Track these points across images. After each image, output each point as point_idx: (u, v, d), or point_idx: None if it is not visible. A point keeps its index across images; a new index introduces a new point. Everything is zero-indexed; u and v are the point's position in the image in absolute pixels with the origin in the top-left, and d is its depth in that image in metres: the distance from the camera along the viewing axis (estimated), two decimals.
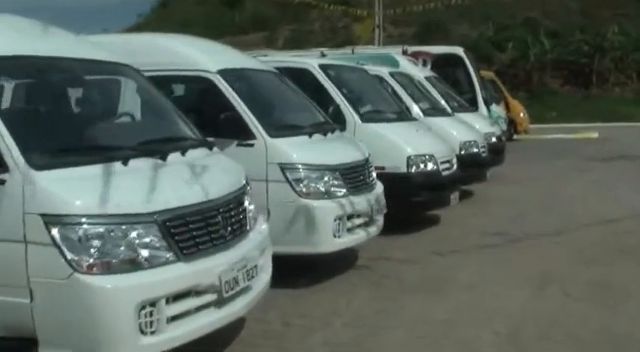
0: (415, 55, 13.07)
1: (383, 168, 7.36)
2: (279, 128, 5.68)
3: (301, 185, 5.35)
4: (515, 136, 23.21)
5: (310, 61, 7.86)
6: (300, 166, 5.38)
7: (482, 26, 44.29)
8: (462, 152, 9.85)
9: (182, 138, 4.42)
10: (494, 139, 12.14)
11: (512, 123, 22.83)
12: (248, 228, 4.15)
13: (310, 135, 5.75)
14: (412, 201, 7.50)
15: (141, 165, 3.68)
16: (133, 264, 3.30)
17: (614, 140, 21.65)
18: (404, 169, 7.39)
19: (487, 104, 15.33)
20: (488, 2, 48.28)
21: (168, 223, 3.45)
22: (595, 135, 23.88)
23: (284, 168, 5.34)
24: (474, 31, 45.14)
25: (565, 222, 8.33)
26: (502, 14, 45.68)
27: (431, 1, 43.67)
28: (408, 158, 7.38)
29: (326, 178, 5.47)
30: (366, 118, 7.59)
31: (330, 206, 5.40)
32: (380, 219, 6.25)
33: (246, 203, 4.21)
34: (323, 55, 12.91)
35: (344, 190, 5.57)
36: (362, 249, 6.66)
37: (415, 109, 9.82)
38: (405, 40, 33.23)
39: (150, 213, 3.41)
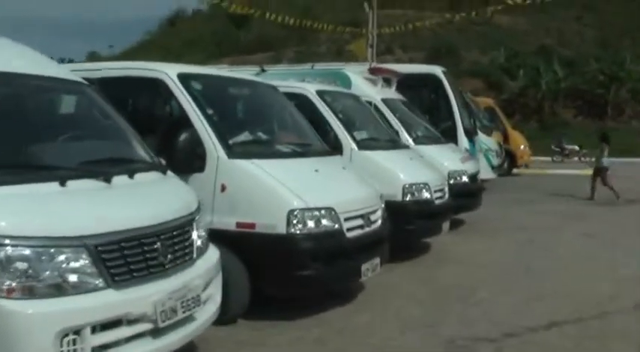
0: (375, 73, 10.70)
1: (252, 225, 5.06)
2: None
3: (2, 274, 2.98)
4: (515, 170, 20.85)
5: (166, 69, 5.53)
6: (5, 240, 3.01)
7: (494, 52, 42.11)
8: (407, 198, 7.49)
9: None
10: (464, 179, 9.77)
11: (511, 157, 20.49)
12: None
13: (64, 181, 3.37)
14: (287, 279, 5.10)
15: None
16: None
17: (626, 179, 19.08)
18: (283, 229, 5.01)
19: (471, 134, 12.96)
20: (502, 28, 46.27)
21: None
22: None
23: None
24: (486, 57, 43.02)
25: (526, 311, 5.77)
26: (516, 41, 43.61)
27: (442, 26, 41.87)
28: (290, 212, 5.01)
29: (59, 260, 3.08)
30: (236, 152, 5.24)
31: (52, 311, 3.01)
32: (203, 314, 3.88)
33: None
34: (262, 71, 10.72)
35: (98, 280, 3.19)
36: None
37: (346, 140, 7.49)
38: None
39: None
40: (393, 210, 6.85)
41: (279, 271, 5.05)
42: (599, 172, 14.19)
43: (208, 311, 3.97)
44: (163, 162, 4.69)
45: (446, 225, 8.10)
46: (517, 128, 23.99)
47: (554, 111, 36.11)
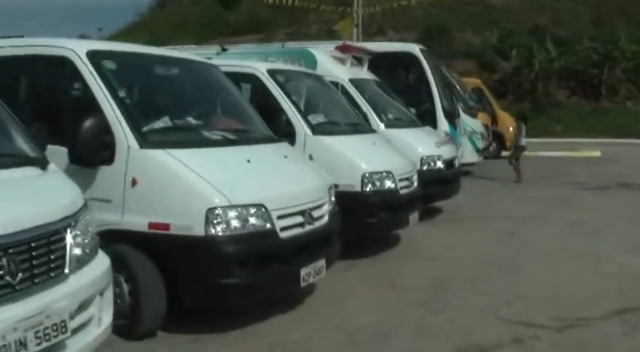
0: (345, 51, 9.93)
1: (167, 226, 4.34)
2: None
3: None
4: (504, 153, 20.12)
5: (74, 46, 4.78)
6: None
7: (487, 33, 41.20)
8: (367, 188, 6.76)
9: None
10: (439, 164, 9.04)
11: (500, 139, 19.77)
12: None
13: None
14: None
15: None
16: None
17: (619, 161, 18.45)
18: (201, 231, 4.28)
19: (452, 116, 12.20)
20: (496, 8, 45.29)
21: None
22: (597, 153, 20.73)
23: None
24: (479, 37, 42.10)
25: (495, 320, 5.05)
26: (510, 21, 42.61)
27: (433, 6, 40.94)
28: (209, 211, 4.28)
29: None
30: (150, 141, 4.51)
31: None
32: (79, 341, 3.17)
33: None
34: (223, 50, 9.97)
35: None
36: None
37: (299, 124, 6.76)
38: None
39: None
40: (352, 201, 6.23)
41: (198, 279, 4.34)
42: (517, 151, 13.90)
43: (88, 336, 3.25)
44: (65, 153, 4.02)
45: (414, 217, 7.37)
46: (508, 109, 23.21)
47: (548, 92, 35.24)
